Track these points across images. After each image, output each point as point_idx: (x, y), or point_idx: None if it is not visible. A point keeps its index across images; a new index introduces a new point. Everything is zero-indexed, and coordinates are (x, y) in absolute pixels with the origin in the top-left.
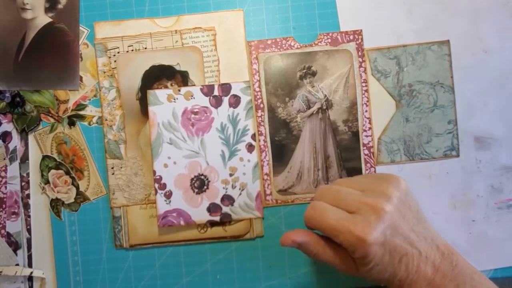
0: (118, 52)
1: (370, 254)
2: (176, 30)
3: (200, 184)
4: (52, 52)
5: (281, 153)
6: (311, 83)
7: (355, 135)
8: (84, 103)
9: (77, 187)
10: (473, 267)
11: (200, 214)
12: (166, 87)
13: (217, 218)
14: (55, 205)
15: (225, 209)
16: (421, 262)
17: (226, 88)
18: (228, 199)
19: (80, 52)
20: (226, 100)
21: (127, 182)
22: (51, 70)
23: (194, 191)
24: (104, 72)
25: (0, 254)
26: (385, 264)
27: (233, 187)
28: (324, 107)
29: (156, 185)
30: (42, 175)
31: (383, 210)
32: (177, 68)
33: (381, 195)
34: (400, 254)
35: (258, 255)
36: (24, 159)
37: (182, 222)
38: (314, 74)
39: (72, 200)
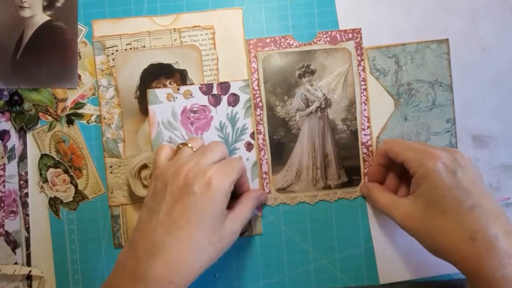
0: (117, 50)
1: (436, 168)
2: (174, 29)
3: None
4: (50, 51)
5: (280, 151)
6: (310, 81)
7: (354, 133)
8: (83, 101)
9: (76, 186)
10: None
11: None
12: (164, 85)
13: None
14: (54, 203)
15: None
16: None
17: (225, 86)
18: None
19: (78, 51)
20: (225, 98)
21: (125, 180)
22: (50, 69)
23: None
24: (103, 71)
25: None
26: (452, 198)
27: None
28: (323, 106)
29: None
30: (41, 174)
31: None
32: (176, 66)
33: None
34: (471, 201)
35: (257, 253)
36: (23, 157)
37: None
38: (313, 72)
39: (71, 199)
